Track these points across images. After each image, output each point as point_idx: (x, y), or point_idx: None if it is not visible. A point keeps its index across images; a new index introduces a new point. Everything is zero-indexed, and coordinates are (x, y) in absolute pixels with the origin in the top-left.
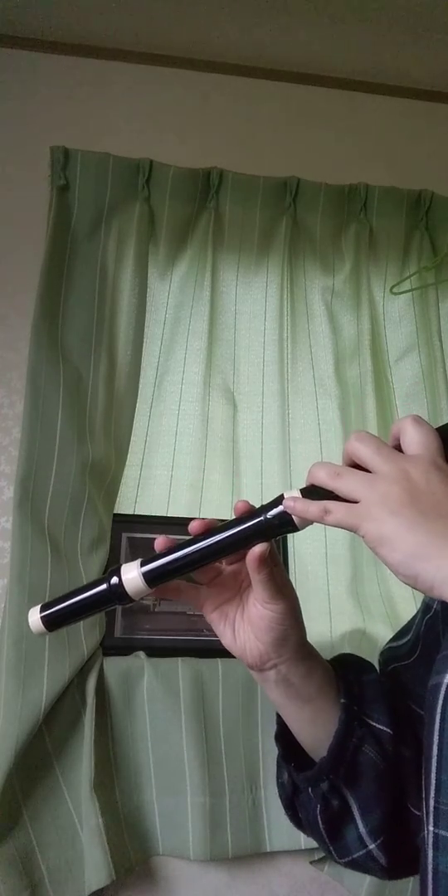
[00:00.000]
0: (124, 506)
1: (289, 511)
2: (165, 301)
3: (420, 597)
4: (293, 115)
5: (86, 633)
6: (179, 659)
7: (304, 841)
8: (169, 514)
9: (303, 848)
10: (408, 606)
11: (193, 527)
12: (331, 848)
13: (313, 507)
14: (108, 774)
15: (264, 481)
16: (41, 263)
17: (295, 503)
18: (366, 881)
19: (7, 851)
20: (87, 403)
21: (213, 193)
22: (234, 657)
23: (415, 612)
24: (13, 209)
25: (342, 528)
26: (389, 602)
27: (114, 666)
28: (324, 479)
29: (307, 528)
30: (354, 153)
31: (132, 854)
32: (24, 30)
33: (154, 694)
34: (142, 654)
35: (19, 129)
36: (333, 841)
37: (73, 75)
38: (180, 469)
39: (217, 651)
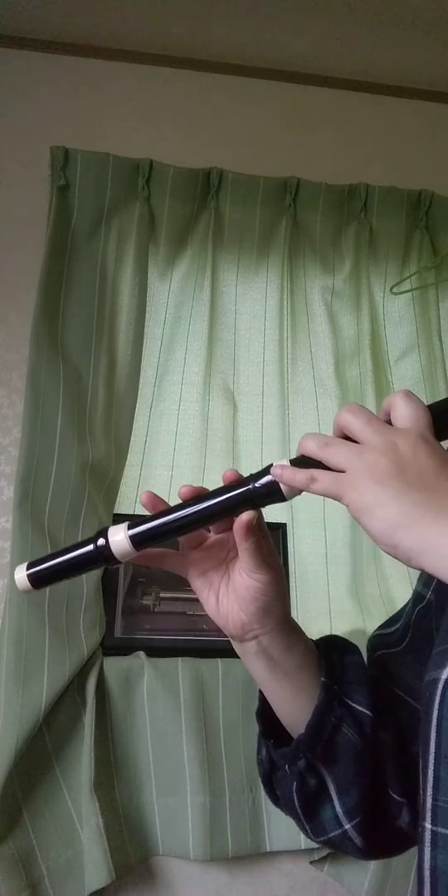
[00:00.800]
0: (124, 506)
1: (276, 478)
2: (165, 301)
3: None
4: (293, 115)
5: (86, 633)
6: (179, 659)
7: (304, 841)
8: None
9: (303, 848)
10: None
11: (182, 492)
12: (307, 826)
13: (300, 475)
14: (108, 774)
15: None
16: (41, 263)
17: (282, 471)
18: (366, 881)
19: (7, 851)
20: (87, 403)
21: (213, 193)
22: (234, 657)
23: None
24: (13, 209)
25: (327, 496)
26: (389, 602)
27: (114, 666)
28: (313, 449)
29: (308, 526)
30: (354, 153)
31: (132, 854)
32: (24, 30)
33: (154, 694)
34: (142, 654)
35: (19, 129)
36: (309, 820)
37: (73, 75)
38: (180, 469)
39: (217, 651)
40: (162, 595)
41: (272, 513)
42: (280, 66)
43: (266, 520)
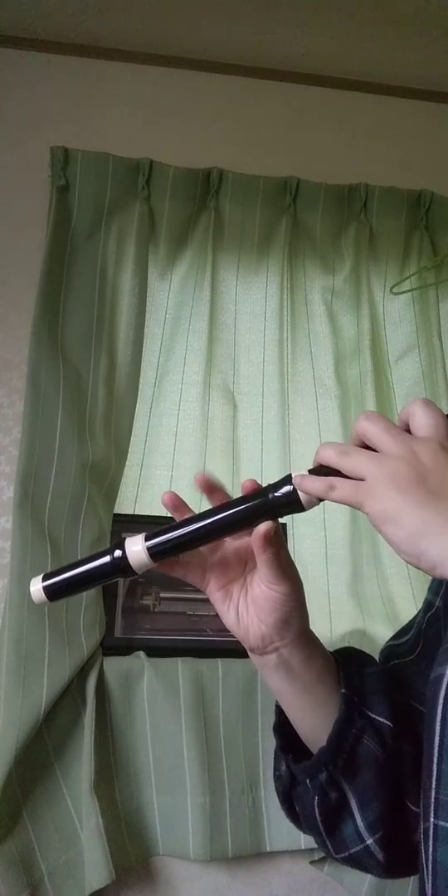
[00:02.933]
0: (124, 506)
1: (296, 487)
2: (165, 301)
3: (420, 596)
4: (293, 115)
5: (86, 633)
6: (179, 659)
7: (304, 841)
8: (169, 515)
9: (303, 848)
10: (408, 606)
11: (198, 479)
12: (328, 843)
13: (319, 483)
14: (108, 774)
15: (264, 482)
16: (41, 263)
17: (302, 480)
18: (366, 881)
19: (7, 851)
20: (87, 403)
21: (213, 193)
22: (234, 657)
23: (415, 611)
24: (13, 209)
25: (347, 504)
26: (389, 602)
27: (114, 666)
28: (331, 458)
29: (308, 526)
30: (354, 153)
31: (132, 854)
32: (24, 30)
33: (154, 694)
34: (142, 654)
35: (19, 129)
36: (330, 835)
37: (73, 75)
38: (180, 469)
39: (217, 651)
40: (162, 595)
41: None
42: (280, 66)
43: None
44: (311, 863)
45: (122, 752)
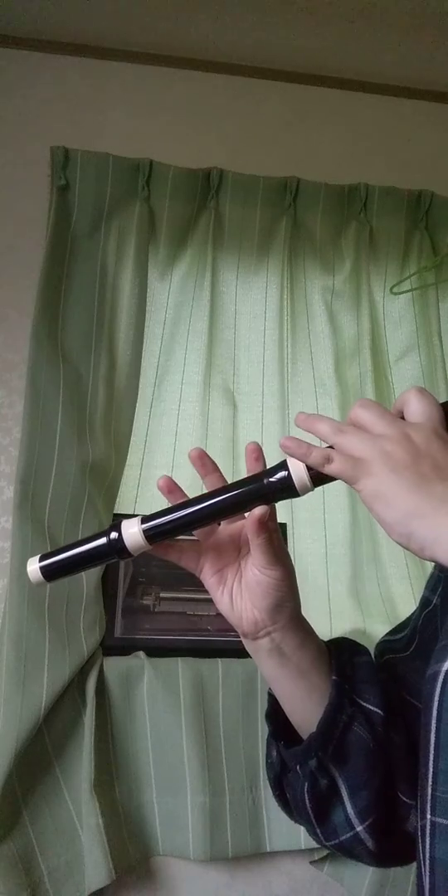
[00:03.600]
0: (124, 506)
1: (287, 449)
2: (165, 301)
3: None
4: (293, 115)
5: (86, 632)
6: (179, 659)
7: (304, 841)
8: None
9: (303, 848)
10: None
11: (192, 455)
12: (318, 830)
13: (315, 453)
14: (108, 774)
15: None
16: (41, 263)
17: (296, 445)
18: (366, 881)
19: (7, 851)
20: (87, 403)
21: (213, 193)
22: (234, 657)
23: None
24: (13, 209)
25: (342, 478)
26: (389, 602)
27: (114, 666)
28: (326, 433)
29: (308, 526)
30: (354, 153)
31: (132, 854)
32: (24, 30)
33: (154, 694)
34: (142, 654)
35: (19, 129)
36: (320, 822)
37: (73, 75)
38: (180, 469)
39: (217, 651)
40: (162, 595)
41: None
42: (280, 66)
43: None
44: (311, 863)
45: (122, 752)
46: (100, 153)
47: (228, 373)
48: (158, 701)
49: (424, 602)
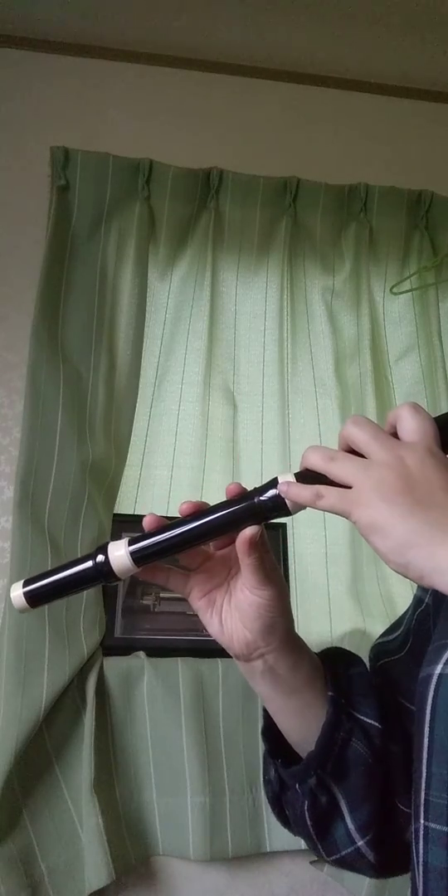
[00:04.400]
0: (124, 506)
1: (282, 494)
2: (165, 301)
3: None
4: (293, 115)
5: (86, 632)
6: (179, 659)
7: (304, 841)
8: (169, 514)
9: (303, 848)
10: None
11: (183, 508)
12: (319, 846)
13: (305, 492)
14: (108, 774)
15: (264, 481)
16: (41, 263)
17: (288, 487)
18: (366, 881)
19: (7, 851)
20: (87, 403)
21: (213, 193)
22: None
23: None
24: (13, 209)
25: (334, 513)
26: (389, 602)
27: (114, 666)
28: (317, 463)
29: (308, 526)
30: (354, 153)
31: (132, 854)
32: (24, 30)
33: (154, 694)
34: (142, 654)
35: (19, 129)
36: (321, 839)
37: (73, 75)
38: (180, 469)
39: (217, 651)
40: (162, 595)
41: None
42: (280, 66)
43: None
44: (311, 863)
45: (122, 752)
46: (100, 153)
47: (228, 373)
48: (158, 701)
49: (417, 601)
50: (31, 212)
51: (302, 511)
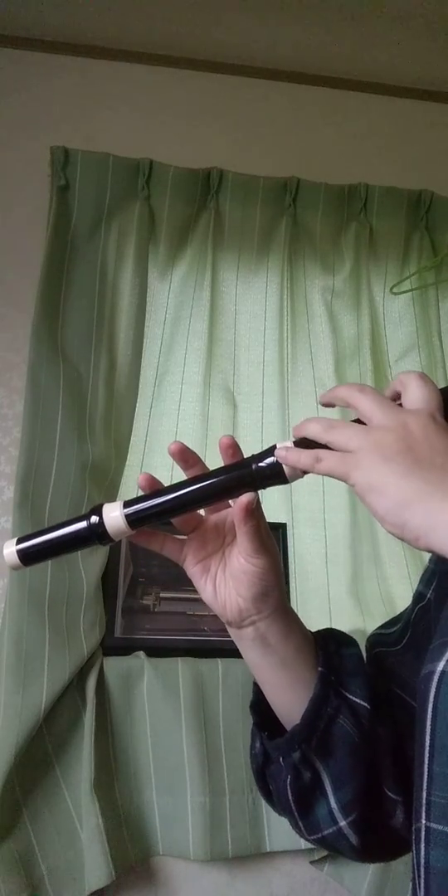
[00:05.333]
0: None
1: (280, 460)
2: (165, 301)
3: None
4: (293, 115)
5: (86, 633)
6: (179, 659)
7: (304, 841)
8: None
9: (303, 848)
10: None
11: (172, 448)
12: (300, 823)
13: (304, 456)
14: (108, 774)
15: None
16: (41, 263)
17: (286, 452)
18: (366, 881)
19: (7, 851)
20: (87, 403)
21: (213, 193)
22: (234, 657)
23: None
24: (13, 209)
25: (332, 476)
26: (389, 602)
27: (114, 666)
28: (317, 432)
29: (308, 526)
30: (354, 153)
31: (132, 854)
32: (25, 30)
33: (154, 694)
34: (142, 654)
35: (19, 129)
36: (303, 816)
37: (73, 75)
38: (180, 469)
39: (217, 651)
40: (162, 595)
41: (272, 513)
42: (280, 66)
43: (266, 520)
44: (311, 863)
45: (122, 752)
46: (100, 153)
47: (228, 373)
48: (158, 701)
49: (418, 596)
50: (31, 212)
51: (302, 511)
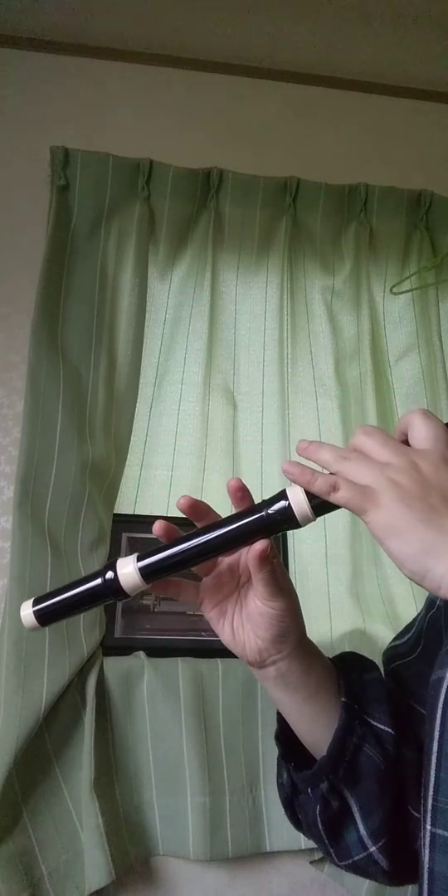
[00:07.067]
0: (124, 506)
1: (289, 476)
2: (165, 301)
3: (420, 597)
4: (293, 115)
5: (86, 633)
6: (179, 659)
7: (304, 841)
8: (169, 515)
9: (303, 848)
10: (408, 607)
11: (181, 503)
12: (331, 850)
13: (320, 480)
14: (108, 774)
15: (264, 482)
16: (41, 263)
17: (300, 472)
18: (366, 882)
19: (7, 851)
20: (87, 403)
21: (213, 193)
22: (234, 657)
23: (415, 612)
24: (13, 209)
25: (349, 508)
26: (389, 602)
27: (114, 666)
28: (329, 461)
29: (308, 526)
30: (354, 153)
31: (132, 854)
32: (24, 30)
33: (154, 694)
34: (142, 654)
35: (19, 129)
36: (334, 843)
37: (73, 75)
38: (180, 469)
39: (217, 651)
40: (162, 595)
41: None
42: (280, 65)
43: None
44: (311, 863)
45: (122, 752)
46: (100, 153)
47: (228, 373)
48: (158, 701)
49: (429, 603)
50: (31, 212)
51: (298, 528)
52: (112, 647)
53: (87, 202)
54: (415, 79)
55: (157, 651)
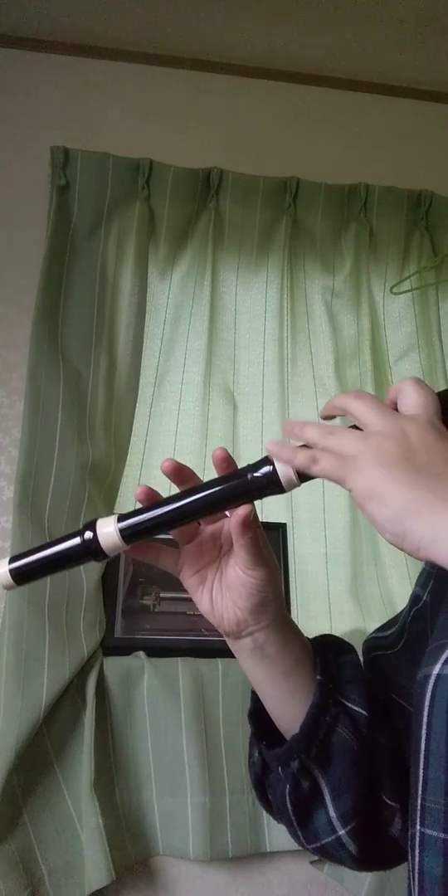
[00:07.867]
0: (124, 506)
1: (273, 456)
2: (165, 301)
3: None
4: (293, 115)
5: (86, 633)
6: (179, 659)
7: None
8: None
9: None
10: None
11: (165, 466)
12: (299, 833)
13: (301, 455)
14: (108, 774)
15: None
16: (41, 263)
17: (280, 448)
18: (366, 881)
19: (7, 851)
20: (87, 403)
21: (213, 193)
22: (234, 657)
23: None
24: (13, 209)
25: (329, 478)
26: (389, 602)
27: (114, 666)
28: (314, 437)
29: (308, 526)
30: (354, 153)
31: (132, 854)
32: (24, 30)
33: (154, 694)
34: (142, 654)
35: (19, 129)
36: (302, 825)
37: (73, 75)
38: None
39: (217, 651)
40: (162, 595)
41: (272, 513)
42: (280, 65)
43: (266, 520)
44: (311, 863)
45: (122, 752)
46: (100, 153)
47: (228, 373)
48: (158, 701)
49: (414, 599)
50: (31, 212)
51: (302, 511)
52: (112, 647)
53: (87, 202)
54: (415, 79)
55: (157, 651)
